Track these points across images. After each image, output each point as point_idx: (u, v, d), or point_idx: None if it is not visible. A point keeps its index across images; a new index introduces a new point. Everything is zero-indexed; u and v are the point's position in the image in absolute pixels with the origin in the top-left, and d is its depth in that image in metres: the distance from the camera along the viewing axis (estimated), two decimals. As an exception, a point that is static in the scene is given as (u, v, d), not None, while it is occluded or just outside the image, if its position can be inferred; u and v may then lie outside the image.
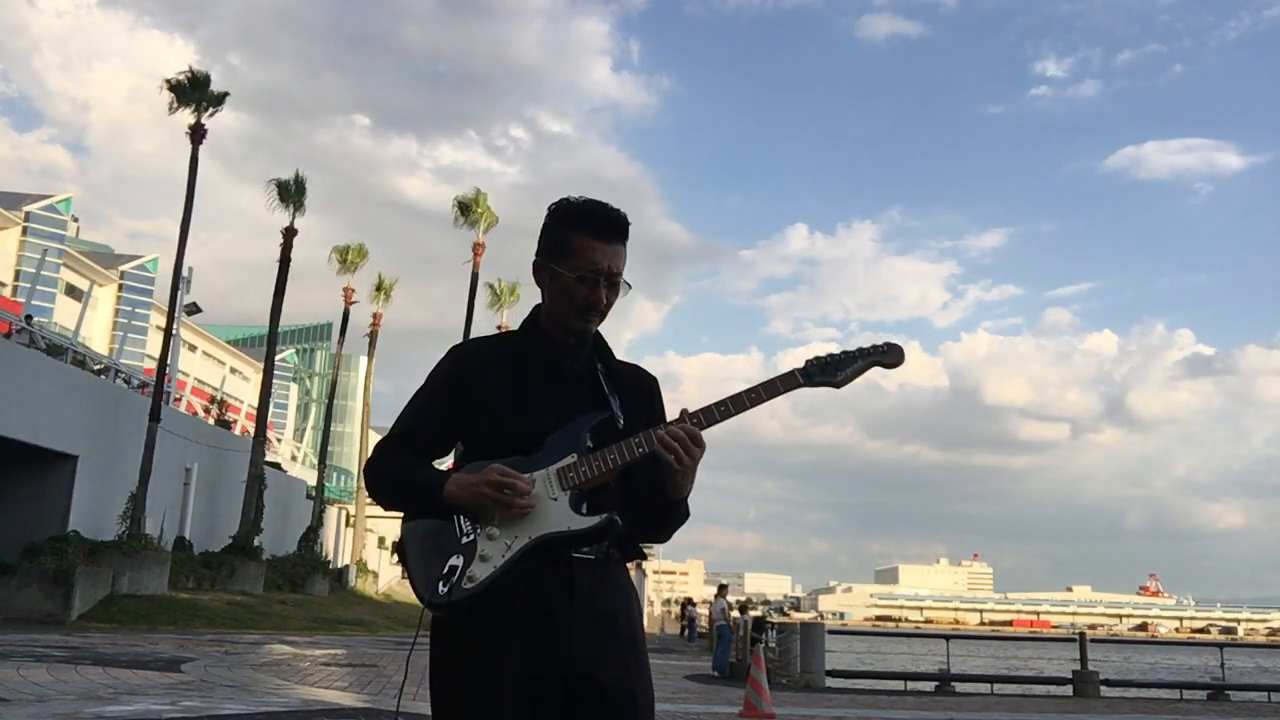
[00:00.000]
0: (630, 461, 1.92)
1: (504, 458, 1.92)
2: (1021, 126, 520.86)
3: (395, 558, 2.06)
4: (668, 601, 57.63)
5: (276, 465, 39.42)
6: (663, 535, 2.08)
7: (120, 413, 24.38)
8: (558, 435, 1.95)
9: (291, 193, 31.89)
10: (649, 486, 2.00)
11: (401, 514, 2.01)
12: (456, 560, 1.86)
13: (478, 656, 1.87)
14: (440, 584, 1.85)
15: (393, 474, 1.98)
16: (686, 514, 2.05)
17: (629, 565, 2.10)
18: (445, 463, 2.12)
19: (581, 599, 1.90)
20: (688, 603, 44.63)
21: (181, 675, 10.22)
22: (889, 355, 2.01)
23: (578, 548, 1.92)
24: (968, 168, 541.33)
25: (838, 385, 2.00)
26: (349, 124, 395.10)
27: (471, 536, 1.88)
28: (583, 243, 1.98)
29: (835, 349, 2.03)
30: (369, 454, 2.08)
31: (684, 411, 1.97)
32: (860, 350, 2.03)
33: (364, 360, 48.88)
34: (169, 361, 27.89)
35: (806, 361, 2.01)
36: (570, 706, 1.87)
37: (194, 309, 36.38)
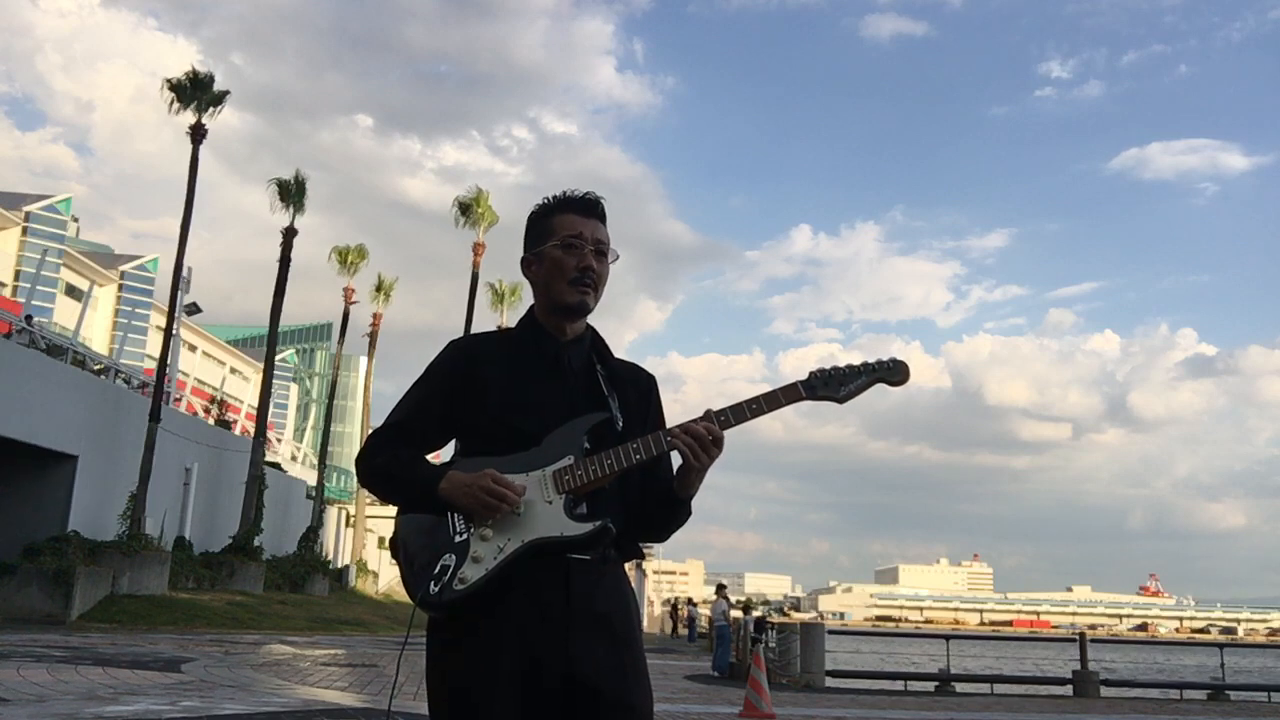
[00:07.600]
0: (627, 468, 1.91)
1: (501, 455, 1.92)
2: (1026, 127, 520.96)
3: (391, 554, 2.03)
4: (667, 601, 57.33)
5: (276, 465, 39.41)
6: (662, 535, 2.07)
7: (120, 413, 24.37)
8: (555, 435, 1.93)
9: (292, 193, 31.91)
10: (652, 486, 1.99)
11: (396, 509, 2.00)
12: (449, 560, 1.86)
13: (473, 657, 1.86)
14: (432, 583, 1.85)
15: (385, 466, 1.97)
16: (689, 514, 2.03)
17: (629, 564, 2.09)
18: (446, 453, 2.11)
19: (578, 600, 1.89)
20: (682, 602, 44.26)
21: (181, 675, 10.22)
22: (894, 373, 2.00)
23: (572, 551, 1.91)
24: (971, 168, 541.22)
25: (840, 401, 1.99)
26: (352, 124, 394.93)
27: (464, 536, 1.88)
28: (562, 219, 2.04)
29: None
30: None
31: (709, 411, 1.96)
32: (865, 365, 2.00)
33: (364, 360, 48.98)
34: (169, 361, 27.90)
35: (810, 373, 1.99)
36: (566, 708, 1.85)
37: (194, 309, 36.39)
